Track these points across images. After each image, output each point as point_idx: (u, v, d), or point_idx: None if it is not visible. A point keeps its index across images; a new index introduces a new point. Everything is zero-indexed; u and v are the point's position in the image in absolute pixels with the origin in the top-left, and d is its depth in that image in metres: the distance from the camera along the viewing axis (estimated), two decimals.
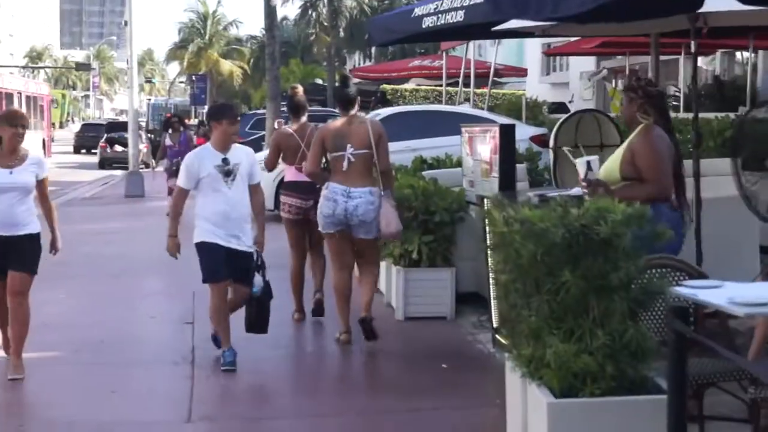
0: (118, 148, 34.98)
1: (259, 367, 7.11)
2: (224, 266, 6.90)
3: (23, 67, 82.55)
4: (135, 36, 24.37)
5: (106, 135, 38.71)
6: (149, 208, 19.71)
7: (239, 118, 6.85)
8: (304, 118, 8.63)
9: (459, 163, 10.70)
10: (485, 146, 8.11)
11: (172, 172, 16.84)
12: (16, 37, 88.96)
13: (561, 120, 11.97)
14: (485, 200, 7.36)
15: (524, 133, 14.44)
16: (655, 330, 4.60)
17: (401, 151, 13.95)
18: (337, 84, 8.55)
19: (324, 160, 7.76)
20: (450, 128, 12.73)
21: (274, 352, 7.46)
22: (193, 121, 51.50)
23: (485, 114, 17.37)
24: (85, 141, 46.37)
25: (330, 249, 7.82)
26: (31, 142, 37.09)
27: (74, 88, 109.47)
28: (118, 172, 30.22)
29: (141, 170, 24.03)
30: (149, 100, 78.77)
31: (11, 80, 38.30)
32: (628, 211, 4.16)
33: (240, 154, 7.07)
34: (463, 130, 8.93)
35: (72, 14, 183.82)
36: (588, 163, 5.60)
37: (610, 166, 5.70)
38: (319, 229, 7.67)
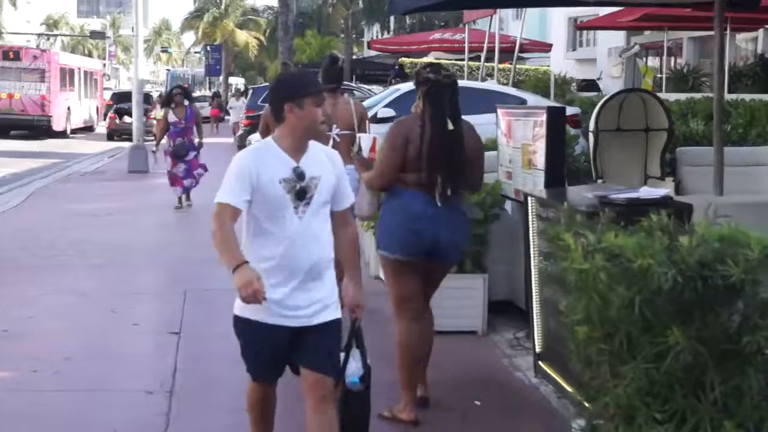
0: (127, 119, 33.80)
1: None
2: (277, 363, 4.28)
3: (39, 35, 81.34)
4: (142, 2, 23.13)
5: (115, 106, 38.15)
6: (151, 186, 18.39)
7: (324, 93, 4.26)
8: None
9: (490, 146, 9.44)
10: (527, 132, 6.91)
11: (175, 155, 14.74)
12: (33, 4, 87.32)
13: (603, 100, 10.84)
14: (529, 199, 6.09)
15: None
16: None
17: None
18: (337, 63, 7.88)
19: None
20: (476, 106, 11.44)
21: None
22: (207, 93, 50.29)
23: (513, 91, 16.24)
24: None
25: None
26: (87, 108, 40.75)
27: (90, 57, 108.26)
28: (126, 144, 28.99)
29: (145, 144, 22.62)
30: (168, 70, 77.25)
31: (74, 58, 44.80)
32: None
33: (320, 159, 4.22)
34: (499, 111, 7.74)
35: None
36: (359, 139, 5.86)
37: None
38: None
